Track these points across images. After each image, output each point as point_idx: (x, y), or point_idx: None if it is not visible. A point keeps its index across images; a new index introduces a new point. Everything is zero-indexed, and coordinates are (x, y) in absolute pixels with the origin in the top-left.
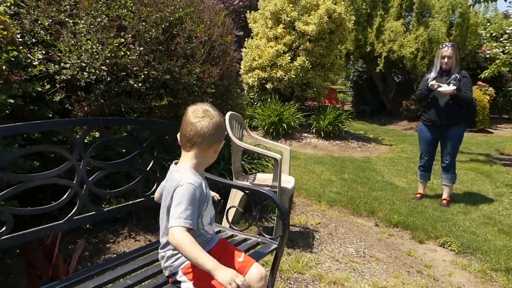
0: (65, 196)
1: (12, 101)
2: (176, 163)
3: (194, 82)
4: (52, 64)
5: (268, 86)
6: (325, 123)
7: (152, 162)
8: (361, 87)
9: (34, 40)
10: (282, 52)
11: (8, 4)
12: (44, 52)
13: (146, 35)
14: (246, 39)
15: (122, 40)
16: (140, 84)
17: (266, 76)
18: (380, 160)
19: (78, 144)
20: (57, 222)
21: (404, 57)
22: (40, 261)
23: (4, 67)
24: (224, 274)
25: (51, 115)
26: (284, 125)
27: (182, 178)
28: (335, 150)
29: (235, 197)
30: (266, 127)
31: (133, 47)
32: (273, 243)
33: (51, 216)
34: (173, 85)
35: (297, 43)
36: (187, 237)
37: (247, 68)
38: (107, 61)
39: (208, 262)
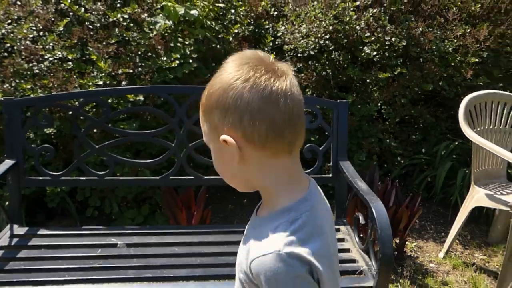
0: (161, 157)
1: None
2: None
3: (451, 50)
4: None
5: None
6: None
7: None
8: None
9: None
10: None
11: None
12: None
13: None
14: None
15: (357, 3)
16: (374, 53)
17: None
18: None
19: (179, 110)
20: (154, 177)
21: None
22: (169, 203)
23: None
24: None
25: None
26: None
27: None
28: None
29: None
30: None
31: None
32: (371, 279)
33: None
34: (416, 52)
35: None
36: None
37: None
38: (330, 28)
39: None
